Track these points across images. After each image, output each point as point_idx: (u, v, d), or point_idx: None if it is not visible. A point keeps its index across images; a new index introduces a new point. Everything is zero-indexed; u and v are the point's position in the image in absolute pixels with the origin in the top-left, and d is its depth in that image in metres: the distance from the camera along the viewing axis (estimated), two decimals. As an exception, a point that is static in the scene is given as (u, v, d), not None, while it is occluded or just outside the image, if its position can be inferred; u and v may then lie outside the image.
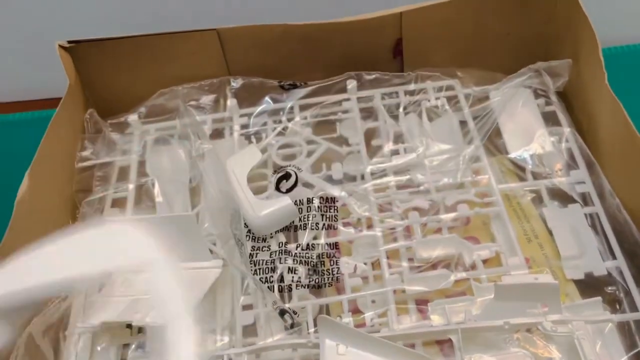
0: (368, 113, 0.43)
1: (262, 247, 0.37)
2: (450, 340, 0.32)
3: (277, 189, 0.39)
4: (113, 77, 0.44)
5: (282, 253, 0.36)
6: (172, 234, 0.26)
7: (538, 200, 0.38)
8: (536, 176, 0.39)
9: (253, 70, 0.44)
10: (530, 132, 0.40)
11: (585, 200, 0.37)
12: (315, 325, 0.33)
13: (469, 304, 0.33)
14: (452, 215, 0.37)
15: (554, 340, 0.31)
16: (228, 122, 0.44)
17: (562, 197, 0.38)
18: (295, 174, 0.39)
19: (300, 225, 0.37)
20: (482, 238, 0.37)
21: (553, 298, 0.31)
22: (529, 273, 0.33)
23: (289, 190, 0.38)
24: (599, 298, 0.33)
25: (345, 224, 0.38)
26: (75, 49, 0.41)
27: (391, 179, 0.39)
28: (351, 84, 0.43)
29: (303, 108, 0.44)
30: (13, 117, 0.55)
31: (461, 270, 0.35)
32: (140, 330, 0.35)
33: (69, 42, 0.41)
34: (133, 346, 0.34)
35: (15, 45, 0.55)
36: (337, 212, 0.38)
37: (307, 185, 0.40)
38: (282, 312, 0.34)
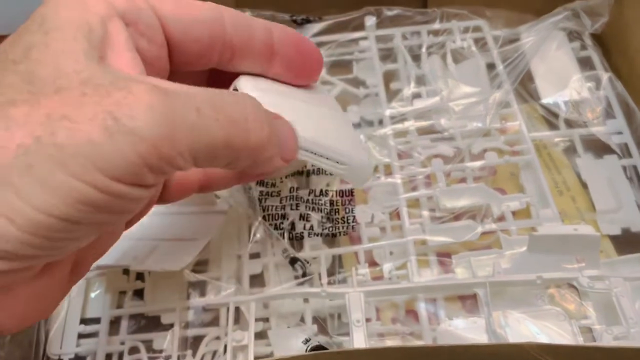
0: (387, 52, 0.40)
1: (272, 192, 0.34)
2: (473, 296, 0.30)
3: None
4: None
5: (293, 199, 0.33)
6: None
7: (570, 150, 0.35)
8: (570, 124, 0.36)
9: (263, 3, 0.40)
10: (565, 77, 0.37)
11: (622, 151, 0.35)
12: (329, 276, 0.31)
13: (496, 257, 0.31)
14: (479, 163, 0.34)
15: (590, 297, 0.29)
16: (235, 59, 0.40)
17: (597, 148, 0.35)
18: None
19: (313, 170, 0.34)
20: (509, 190, 0.34)
21: (592, 252, 0.29)
22: (564, 225, 0.31)
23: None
24: (638, 254, 0.30)
25: (362, 171, 0.35)
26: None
27: (412, 124, 0.36)
28: (370, 21, 0.40)
29: (317, 46, 0.40)
30: None
31: (488, 222, 0.32)
32: (138, 276, 0.32)
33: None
34: (130, 293, 0.32)
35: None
36: (354, 156, 0.35)
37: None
38: (293, 261, 0.31)
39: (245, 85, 0.23)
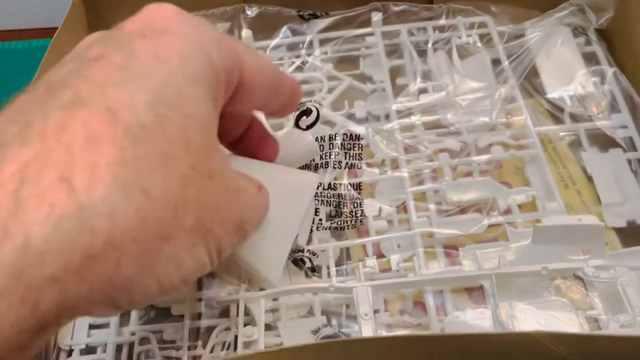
0: (393, 48, 0.40)
1: (280, 186, 0.34)
2: (480, 288, 0.30)
3: (297, 125, 0.36)
4: (118, 0, 0.40)
5: (301, 192, 0.33)
6: None
7: (575, 144, 0.36)
8: (575, 118, 0.36)
9: (272, -3, 0.40)
10: (570, 72, 0.37)
11: (627, 145, 0.35)
12: (338, 268, 0.31)
13: (502, 249, 0.31)
14: (485, 157, 0.34)
15: (596, 287, 0.29)
16: (242, 55, 0.40)
17: (602, 142, 0.35)
18: (317, 109, 0.36)
19: (322, 163, 0.34)
20: (515, 184, 0.35)
21: (596, 241, 0.29)
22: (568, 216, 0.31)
23: (309, 127, 0.36)
24: (643, 247, 0.30)
25: (368, 165, 0.35)
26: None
27: (418, 119, 0.37)
28: (376, 17, 0.40)
29: (323, 42, 0.40)
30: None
31: (494, 215, 0.32)
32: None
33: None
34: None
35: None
36: (362, 150, 0.35)
37: (328, 122, 0.37)
38: (296, 261, 0.32)
39: None
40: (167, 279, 0.17)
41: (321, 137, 0.35)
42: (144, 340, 0.30)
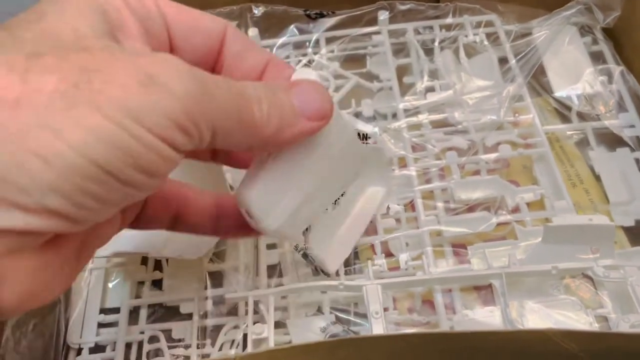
0: (400, 46, 0.40)
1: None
2: (489, 286, 0.30)
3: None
4: None
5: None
6: None
7: (583, 143, 0.36)
8: (583, 117, 0.36)
9: (278, -3, 0.40)
10: (577, 71, 0.37)
11: (635, 144, 0.35)
12: (345, 267, 0.31)
13: (511, 248, 0.31)
14: (493, 155, 0.34)
15: (605, 286, 0.29)
16: (248, 54, 0.40)
17: (610, 141, 0.35)
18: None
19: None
20: (523, 182, 0.35)
21: (606, 241, 0.29)
22: (579, 215, 0.31)
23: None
24: (652, 245, 0.30)
25: (376, 164, 0.35)
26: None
27: (426, 117, 0.37)
28: (383, 15, 0.40)
29: (330, 40, 0.40)
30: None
31: (503, 214, 0.32)
32: (156, 266, 0.33)
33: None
34: (148, 283, 0.32)
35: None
36: (369, 149, 0.35)
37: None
38: (306, 255, 0.32)
39: None
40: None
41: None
42: (152, 339, 0.30)
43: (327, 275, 0.31)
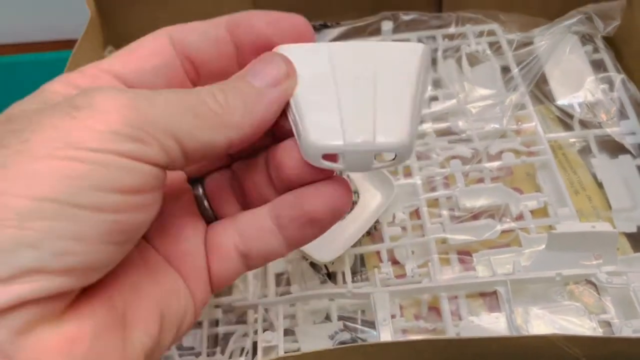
0: (404, 57, 0.41)
1: (295, 193, 0.35)
2: (494, 293, 0.31)
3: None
4: (133, 12, 0.41)
5: (316, 199, 0.34)
6: None
7: (585, 151, 0.36)
8: (585, 125, 0.37)
9: (281, 8, 0.41)
10: (579, 80, 0.38)
11: (636, 151, 0.35)
12: (352, 275, 0.32)
13: (516, 255, 0.31)
14: (496, 164, 0.35)
15: (608, 292, 0.29)
16: (254, 65, 0.41)
17: (612, 148, 0.36)
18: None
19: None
20: (526, 190, 0.35)
21: (609, 248, 0.29)
22: (582, 223, 0.31)
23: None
24: (654, 251, 0.31)
25: (381, 172, 0.36)
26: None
27: (430, 126, 0.37)
28: (386, 26, 0.41)
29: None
30: (20, 59, 0.52)
31: (507, 221, 0.33)
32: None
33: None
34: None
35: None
36: (375, 158, 0.35)
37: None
38: (313, 264, 0.32)
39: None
40: None
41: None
42: (164, 347, 0.31)
43: (328, 277, 0.31)
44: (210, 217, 0.21)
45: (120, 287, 0.17)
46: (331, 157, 0.19)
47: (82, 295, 0.16)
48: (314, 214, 0.19)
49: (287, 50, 0.19)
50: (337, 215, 0.20)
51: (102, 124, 0.15)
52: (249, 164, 0.21)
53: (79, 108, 0.15)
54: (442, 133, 0.37)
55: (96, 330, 0.16)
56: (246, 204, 0.22)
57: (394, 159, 0.19)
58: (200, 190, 0.21)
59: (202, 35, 0.20)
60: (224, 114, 0.18)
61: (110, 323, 0.16)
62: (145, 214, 0.17)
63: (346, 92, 0.19)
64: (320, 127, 0.18)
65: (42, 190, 0.14)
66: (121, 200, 0.15)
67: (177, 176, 0.21)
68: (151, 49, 0.19)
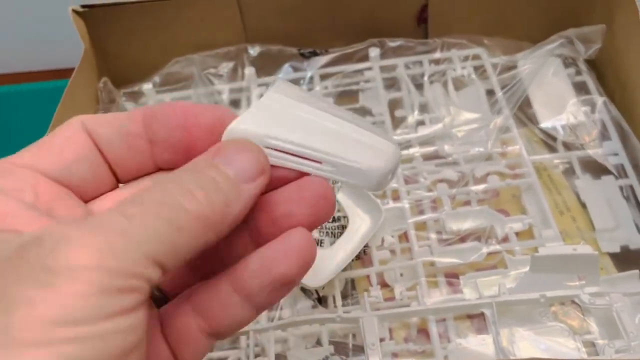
0: (391, 81, 0.42)
1: (286, 219, 0.35)
2: (481, 314, 0.32)
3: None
4: (126, 44, 0.42)
5: (306, 225, 0.35)
6: None
7: (569, 172, 0.37)
8: (568, 147, 0.38)
9: (272, 37, 0.42)
10: (562, 102, 0.39)
11: (619, 171, 0.36)
12: (342, 298, 0.32)
13: (501, 277, 0.32)
14: (482, 186, 0.36)
15: (592, 313, 0.30)
16: (246, 92, 0.42)
17: (595, 169, 0.37)
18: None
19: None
20: (512, 211, 0.36)
21: (591, 269, 0.30)
22: (564, 245, 0.32)
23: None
24: (637, 271, 0.32)
25: (370, 197, 0.37)
26: (89, 14, 0.40)
27: (417, 150, 0.38)
28: (374, 52, 0.42)
29: (324, 77, 0.42)
30: (16, 89, 0.53)
31: (493, 244, 0.34)
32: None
33: (82, 6, 0.39)
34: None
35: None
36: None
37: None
38: (304, 289, 0.33)
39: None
40: None
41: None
42: (158, 373, 0.31)
43: (319, 301, 0.32)
44: (156, 296, 0.20)
45: None
46: None
47: None
48: (284, 276, 0.18)
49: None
50: (307, 268, 0.18)
51: (85, 285, 0.14)
52: None
53: (54, 272, 0.14)
54: (429, 157, 0.38)
55: None
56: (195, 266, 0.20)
57: None
58: None
59: (114, 128, 0.19)
60: (206, 217, 0.16)
61: None
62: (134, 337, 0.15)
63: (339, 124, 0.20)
64: (365, 155, 0.19)
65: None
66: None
67: None
68: (68, 139, 0.19)
